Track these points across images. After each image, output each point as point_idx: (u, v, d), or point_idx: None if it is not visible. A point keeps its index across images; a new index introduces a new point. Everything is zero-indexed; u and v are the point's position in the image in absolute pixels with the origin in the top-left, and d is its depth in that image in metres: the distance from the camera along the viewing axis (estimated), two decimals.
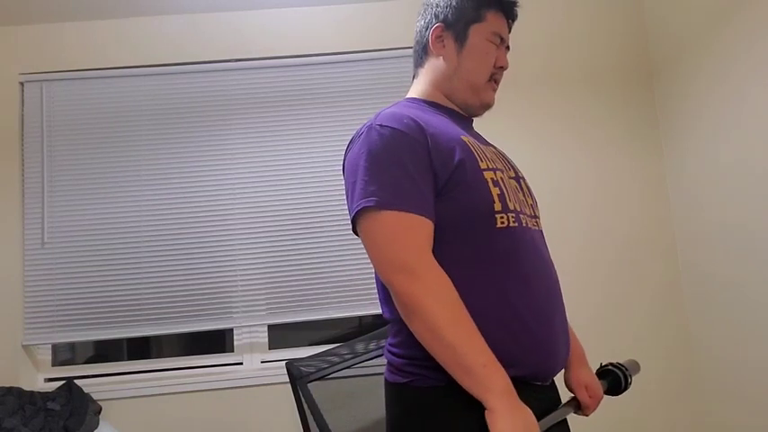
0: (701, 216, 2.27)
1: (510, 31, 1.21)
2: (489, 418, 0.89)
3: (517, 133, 2.49)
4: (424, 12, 1.21)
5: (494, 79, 1.18)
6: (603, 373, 1.23)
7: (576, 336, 1.23)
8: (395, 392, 1.05)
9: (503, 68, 1.19)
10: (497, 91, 1.21)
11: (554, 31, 2.58)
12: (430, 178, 1.00)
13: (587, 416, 1.17)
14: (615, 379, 1.21)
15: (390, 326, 1.09)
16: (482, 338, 0.93)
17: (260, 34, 2.53)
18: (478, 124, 1.26)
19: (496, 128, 2.47)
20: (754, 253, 1.99)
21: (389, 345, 1.08)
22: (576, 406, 1.15)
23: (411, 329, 0.96)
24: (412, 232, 0.96)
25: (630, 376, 1.22)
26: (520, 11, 1.21)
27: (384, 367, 1.10)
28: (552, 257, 1.16)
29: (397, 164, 0.99)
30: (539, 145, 2.50)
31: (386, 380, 1.08)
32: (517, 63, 2.48)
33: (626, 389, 1.22)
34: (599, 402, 1.17)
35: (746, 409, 2.11)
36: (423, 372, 0.99)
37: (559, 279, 1.11)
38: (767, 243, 1.93)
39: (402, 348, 1.03)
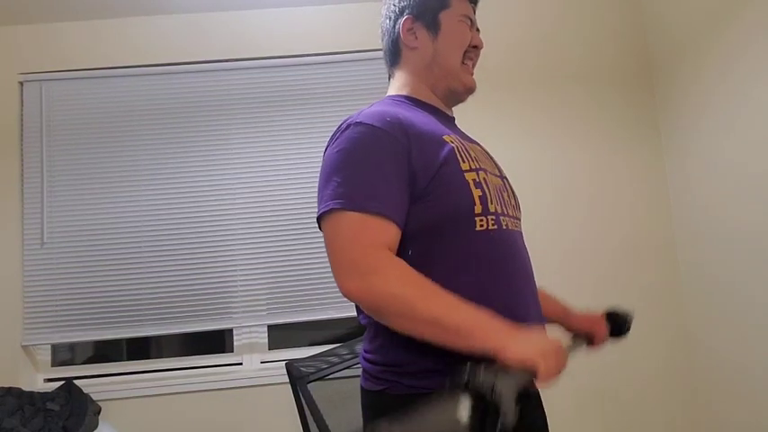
0: (702, 216, 2.27)
1: (474, 13, 1.20)
2: (504, 355, 0.83)
3: (517, 134, 2.48)
4: (386, 12, 1.21)
5: (468, 58, 1.17)
6: (606, 317, 1.30)
7: (559, 298, 1.28)
8: (371, 400, 1.03)
9: (477, 48, 1.18)
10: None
11: (553, 31, 2.56)
12: (404, 179, 0.98)
13: (599, 347, 1.25)
14: (618, 319, 1.28)
15: (366, 332, 1.07)
16: (457, 299, 0.90)
17: (260, 34, 2.53)
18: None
19: (496, 128, 2.48)
20: (754, 253, 1.99)
21: (365, 351, 1.06)
22: (587, 340, 1.21)
23: (389, 326, 0.93)
24: (371, 233, 0.93)
25: (630, 318, 1.30)
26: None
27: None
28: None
29: (373, 164, 0.97)
30: (539, 146, 2.49)
31: (362, 387, 1.06)
32: (517, 63, 2.49)
33: (628, 330, 1.30)
34: (605, 334, 1.25)
35: (746, 408, 2.11)
36: (400, 379, 0.97)
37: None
38: (767, 243, 1.93)
39: (378, 354, 1.01)
